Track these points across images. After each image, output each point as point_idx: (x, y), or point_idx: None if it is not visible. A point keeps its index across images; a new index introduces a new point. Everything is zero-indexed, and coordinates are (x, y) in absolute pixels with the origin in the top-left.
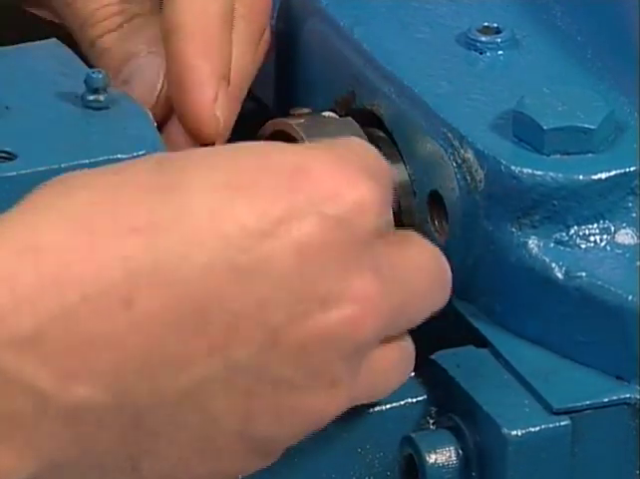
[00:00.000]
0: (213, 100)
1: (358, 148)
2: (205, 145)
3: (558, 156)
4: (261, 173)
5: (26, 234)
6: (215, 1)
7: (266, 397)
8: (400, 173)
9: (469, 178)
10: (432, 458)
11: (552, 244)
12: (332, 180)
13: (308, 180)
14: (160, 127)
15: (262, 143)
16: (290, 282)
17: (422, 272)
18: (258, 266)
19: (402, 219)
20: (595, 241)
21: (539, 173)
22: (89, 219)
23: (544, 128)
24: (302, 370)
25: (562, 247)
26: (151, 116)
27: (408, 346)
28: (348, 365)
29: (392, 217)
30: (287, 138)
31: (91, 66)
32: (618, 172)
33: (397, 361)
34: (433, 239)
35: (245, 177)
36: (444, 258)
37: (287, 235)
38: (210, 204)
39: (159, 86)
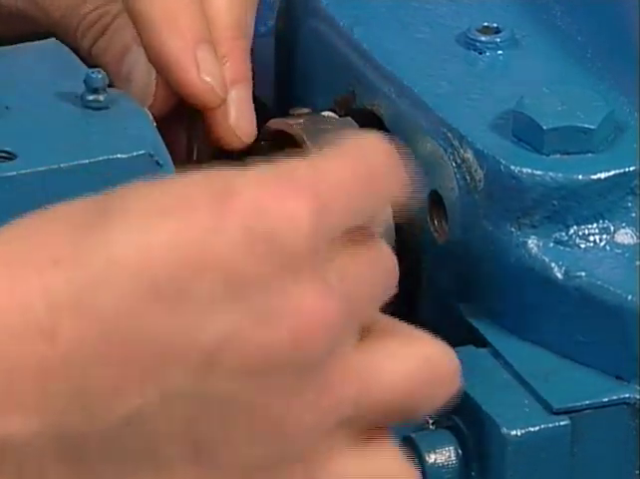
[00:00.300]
0: (196, 70)
1: (299, 164)
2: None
3: (558, 156)
4: (187, 197)
5: None
6: None
7: (214, 419)
8: None
9: (468, 177)
10: (431, 458)
11: (552, 244)
12: (258, 197)
13: (234, 199)
14: (160, 126)
15: (196, 173)
16: (219, 303)
17: (377, 270)
18: (183, 291)
19: (402, 220)
20: (595, 241)
21: (539, 173)
22: (13, 253)
23: (544, 128)
24: (250, 387)
25: (562, 247)
26: (150, 116)
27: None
28: (305, 378)
29: (343, 224)
30: (287, 138)
31: (90, 66)
32: (618, 172)
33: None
34: (433, 240)
35: (170, 202)
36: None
37: (211, 255)
38: (131, 232)
39: (154, 74)
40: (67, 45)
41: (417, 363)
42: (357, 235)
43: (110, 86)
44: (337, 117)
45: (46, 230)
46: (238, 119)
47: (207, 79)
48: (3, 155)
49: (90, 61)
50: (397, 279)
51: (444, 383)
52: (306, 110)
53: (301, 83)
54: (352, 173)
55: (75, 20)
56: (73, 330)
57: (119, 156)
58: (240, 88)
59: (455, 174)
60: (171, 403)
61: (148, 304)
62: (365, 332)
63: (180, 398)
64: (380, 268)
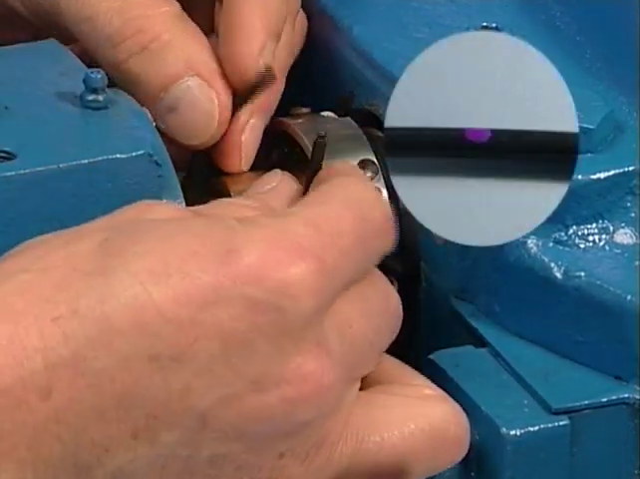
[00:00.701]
0: (258, 53)
1: (300, 221)
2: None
3: None
4: (190, 257)
5: None
6: None
7: (204, 475)
8: None
9: None
10: None
11: (551, 244)
12: (260, 262)
13: (236, 263)
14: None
15: (210, 222)
16: (215, 368)
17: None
18: (179, 355)
19: (401, 219)
20: (594, 241)
21: None
22: (14, 308)
23: None
24: (241, 448)
25: (561, 247)
26: (150, 116)
27: None
28: (298, 439)
29: (341, 280)
30: (287, 138)
31: (90, 66)
32: (617, 172)
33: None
34: (432, 240)
35: (173, 262)
36: (396, 298)
37: (210, 320)
38: (132, 291)
39: (216, 115)
40: (90, 50)
41: (418, 426)
42: (361, 281)
43: (109, 86)
44: (336, 117)
45: (49, 280)
46: (247, 143)
47: (262, 62)
48: (3, 155)
49: (113, 72)
50: (400, 320)
51: (447, 449)
52: (306, 110)
53: (301, 83)
54: (351, 231)
55: (106, 25)
56: (69, 389)
57: (118, 156)
58: (261, 117)
59: None
60: (161, 461)
61: (144, 366)
62: (368, 380)
63: (172, 455)
64: (384, 314)
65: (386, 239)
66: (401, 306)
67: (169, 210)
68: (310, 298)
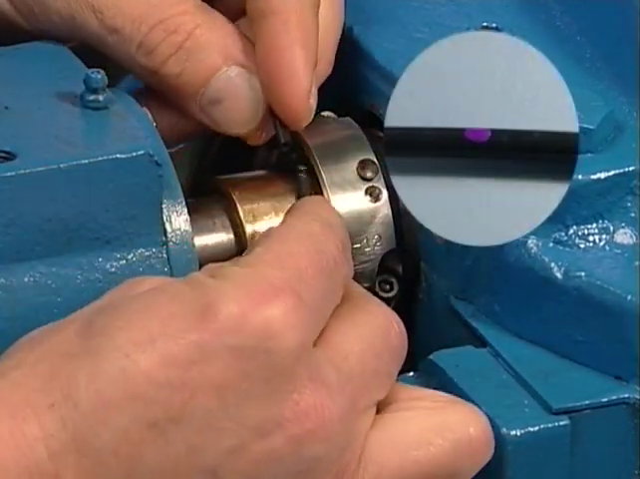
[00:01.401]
0: (309, 91)
1: (270, 254)
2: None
3: None
4: (169, 319)
5: None
6: None
7: None
8: None
9: None
10: None
11: (551, 244)
12: (238, 310)
13: (215, 316)
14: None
15: (180, 283)
16: (215, 422)
17: (370, 342)
18: (177, 416)
19: (401, 219)
20: (594, 241)
21: None
22: (11, 403)
23: None
24: None
25: (561, 247)
26: (150, 116)
27: None
28: (313, 476)
29: (323, 312)
30: None
31: (90, 67)
32: (617, 172)
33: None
34: (432, 240)
35: (154, 327)
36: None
37: (200, 377)
38: (119, 364)
39: (262, 99)
40: (121, 60)
41: (437, 436)
42: (353, 310)
43: (109, 86)
44: (336, 117)
45: (42, 369)
46: (312, 106)
47: (312, 102)
48: (3, 155)
49: (150, 78)
50: (405, 342)
51: (472, 451)
52: None
53: None
54: (310, 265)
55: (135, 34)
56: (76, 473)
57: (118, 156)
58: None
59: None
60: None
61: (144, 434)
62: (383, 405)
63: None
64: (384, 339)
65: (344, 268)
66: (403, 327)
67: (152, 283)
68: (294, 334)
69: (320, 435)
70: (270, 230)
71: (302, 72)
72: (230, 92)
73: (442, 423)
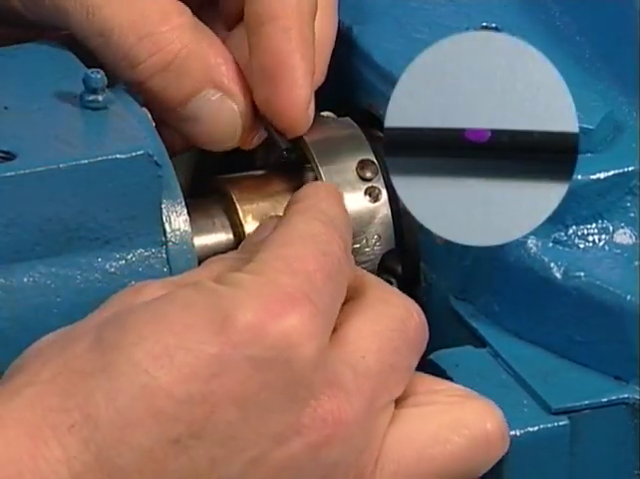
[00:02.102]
0: (308, 100)
1: (276, 269)
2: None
3: None
4: (186, 331)
5: None
6: None
7: None
8: None
9: None
10: None
11: (551, 244)
12: (256, 320)
13: (234, 327)
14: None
15: (190, 291)
16: (236, 434)
17: (388, 336)
18: (199, 431)
19: (401, 219)
20: (594, 241)
21: None
22: (30, 423)
23: None
24: None
25: (561, 247)
26: (149, 116)
27: None
28: (333, 475)
29: (333, 313)
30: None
31: (89, 66)
32: (617, 172)
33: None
34: (432, 240)
35: (171, 341)
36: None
37: (221, 390)
38: (138, 381)
39: (239, 122)
40: (107, 65)
41: (452, 431)
42: (366, 307)
43: (109, 86)
44: (335, 117)
45: (58, 387)
46: (310, 115)
47: (310, 113)
48: (3, 155)
49: (131, 84)
50: (426, 333)
51: (488, 445)
52: None
53: None
54: (318, 269)
55: (122, 42)
56: None
57: (118, 156)
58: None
59: None
60: None
61: (168, 451)
62: (401, 399)
63: None
64: (401, 333)
65: (347, 267)
66: (423, 317)
67: (155, 288)
68: (312, 342)
69: (338, 439)
70: (265, 226)
71: (302, 81)
72: (207, 114)
73: (458, 419)
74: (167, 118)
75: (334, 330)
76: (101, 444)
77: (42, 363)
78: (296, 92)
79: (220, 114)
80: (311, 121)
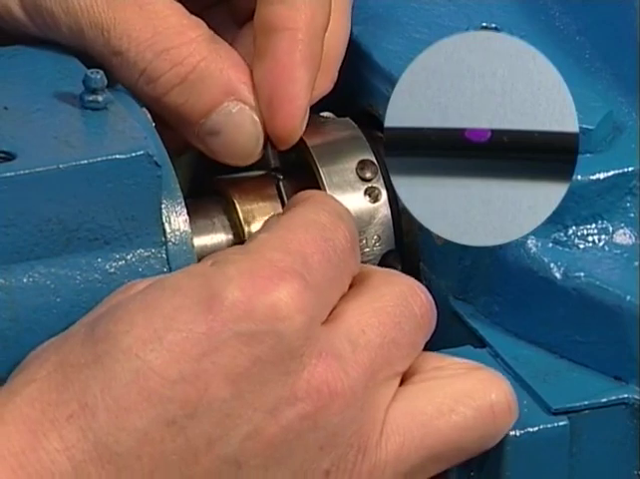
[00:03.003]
0: (304, 115)
1: (275, 239)
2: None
3: None
4: (174, 313)
5: None
6: (323, 6)
7: None
8: None
9: None
10: None
11: (551, 244)
12: (244, 296)
13: (221, 304)
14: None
15: (179, 276)
16: (231, 411)
17: (390, 310)
18: (194, 410)
19: (401, 220)
20: (593, 242)
21: None
22: (30, 418)
23: None
24: (283, 475)
25: (561, 248)
26: (149, 116)
27: None
28: (335, 452)
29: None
30: None
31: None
32: (616, 172)
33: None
34: (432, 241)
35: (159, 324)
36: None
37: (213, 368)
38: (130, 366)
39: (262, 135)
40: (122, 81)
41: (457, 402)
42: (369, 285)
43: (108, 86)
44: (335, 117)
45: (56, 380)
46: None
47: (303, 127)
48: (3, 155)
49: (151, 102)
50: (432, 312)
51: (495, 416)
52: None
53: None
54: (316, 251)
55: (139, 59)
56: (100, 478)
57: (117, 156)
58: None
59: None
60: None
61: (164, 433)
62: (408, 376)
63: None
64: (403, 310)
65: (352, 261)
66: (429, 296)
67: (144, 285)
68: (301, 315)
69: (335, 409)
70: (275, 216)
71: (303, 94)
72: (229, 126)
73: (463, 391)
74: (188, 134)
75: (334, 312)
76: (98, 432)
77: (39, 363)
78: (295, 105)
79: (242, 126)
80: (300, 134)
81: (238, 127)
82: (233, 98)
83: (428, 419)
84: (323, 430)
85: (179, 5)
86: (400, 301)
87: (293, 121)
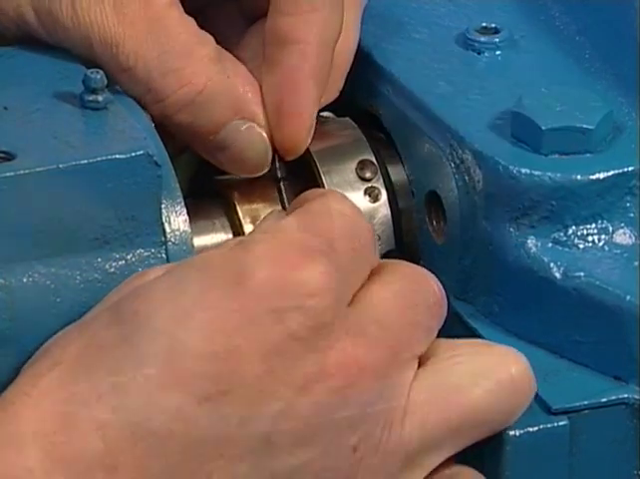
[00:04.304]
0: (310, 129)
1: (302, 222)
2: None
3: (556, 156)
4: (205, 292)
5: (10, 427)
6: (335, 20)
7: None
8: (398, 173)
9: (467, 178)
10: None
11: (550, 245)
12: (274, 273)
13: (252, 282)
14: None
15: (207, 254)
16: (264, 387)
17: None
18: (228, 387)
19: (400, 220)
20: (593, 241)
21: (537, 173)
22: (60, 399)
23: (542, 128)
24: (312, 452)
25: (560, 248)
26: (149, 116)
27: None
28: (363, 427)
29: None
30: None
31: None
32: (616, 172)
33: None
34: (431, 240)
35: (189, 303)
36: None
37: (246, 344)
38: (162, 344)
39: (270, 150)
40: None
41: (478, 377)
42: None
43: (108, 86)
44: (335, 117)
45: (84, 363)
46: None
47: (309, 141)
48: (3, 155)
49: (159, 117)
50: (442, 300)
51: (515, 389)
52: None
53: None
54: (342, 237)
55: (146, 78)
56: (133, 458)
57: (117, 156)
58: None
59: (453, 174)
60: None
61: (197, 411)
62: (424, 359)
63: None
64: (418, 293)
65: (372, 256)
66: (441, 287)
67: (160, 271)
68: (331, 293)
69: (363, 385)
70: (276, 212)
71: (310, 107)
72: (238, 142)
73: (482, 366)
74: (197, 146)
75: (356, 297)
76: (130, 410)
77: (63, 346)
78: (303, 118)
79: (250, 142)
80: (306, 146)
81: (247, 143)
82: (241, 116)
83: (449, 395)
84: (352, 406)
85: (190, 20)
86: (416, 287)
87: (300, 133)
